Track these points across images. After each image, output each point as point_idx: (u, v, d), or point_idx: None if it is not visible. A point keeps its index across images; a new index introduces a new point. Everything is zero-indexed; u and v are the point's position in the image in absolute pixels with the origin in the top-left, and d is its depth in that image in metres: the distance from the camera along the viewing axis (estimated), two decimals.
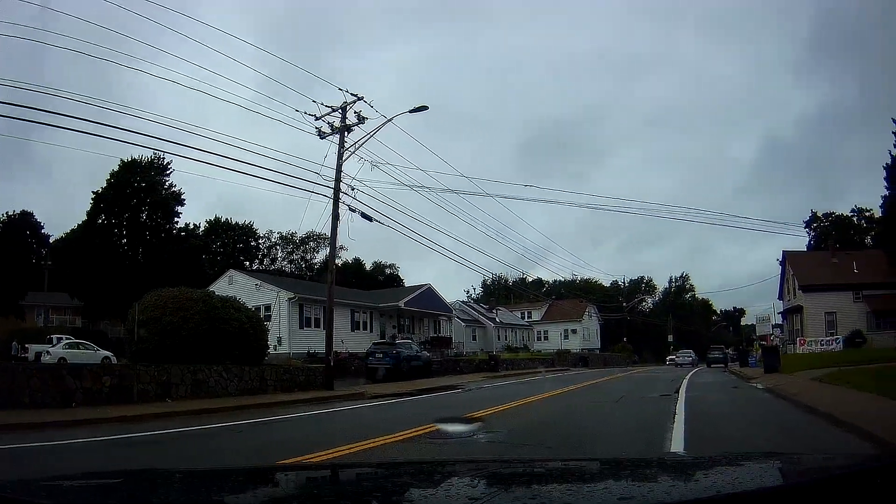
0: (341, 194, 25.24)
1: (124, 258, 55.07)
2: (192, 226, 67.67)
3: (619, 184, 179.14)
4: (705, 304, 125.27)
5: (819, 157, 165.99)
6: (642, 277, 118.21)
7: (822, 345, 45.07)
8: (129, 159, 55.08)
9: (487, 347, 69.73)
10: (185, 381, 19.30)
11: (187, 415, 15.07)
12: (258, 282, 46.29)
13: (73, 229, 60.74)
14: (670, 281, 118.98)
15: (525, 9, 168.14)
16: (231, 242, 75.89)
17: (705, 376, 32.00)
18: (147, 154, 56.49)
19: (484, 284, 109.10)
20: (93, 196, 57.34)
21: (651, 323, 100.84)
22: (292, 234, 78.76)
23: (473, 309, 75.53)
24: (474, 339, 69.92)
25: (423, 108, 26.02)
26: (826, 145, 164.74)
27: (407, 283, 76.64)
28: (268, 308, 42.94)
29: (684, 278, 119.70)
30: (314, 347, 39.71)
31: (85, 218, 57.59)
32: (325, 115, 25.61)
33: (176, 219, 62.15)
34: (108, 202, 56.66)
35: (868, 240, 71.91)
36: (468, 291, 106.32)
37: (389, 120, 25.35)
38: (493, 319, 73.16)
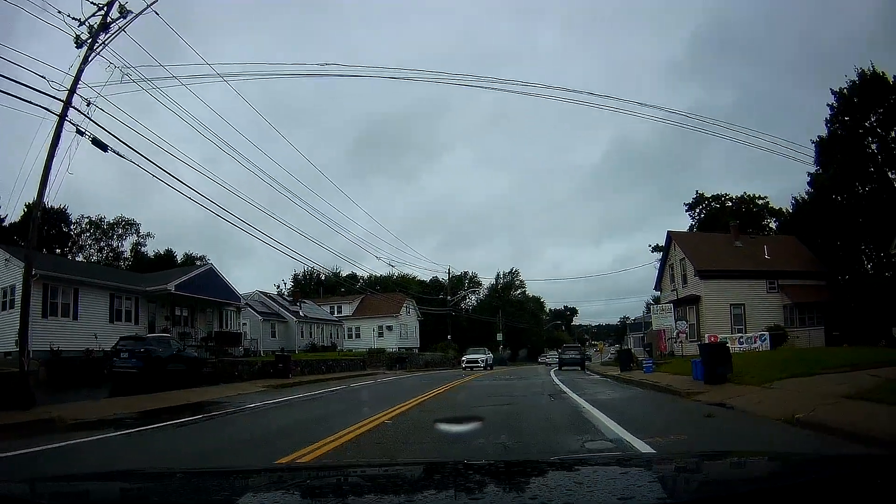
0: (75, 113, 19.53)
1: None
2: None
3: (450, 182, 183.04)
4: (537, 302, 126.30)
5: (676, 161, 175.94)
6: (466, 273, 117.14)
7: (743, 343, 38.75)
8: None
9: (290, 345, 64.72)
10: None
11: None
12: (8, 256, 38.27)
13: None
14: (498, 276, 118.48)
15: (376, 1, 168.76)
16: (45, 228, 67.95)
17: (593, 387, 24.89)
18: None
19: (295, 279, 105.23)
20: None
21: (477, 320, 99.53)
22: (101, 219, 75.94)
23: (275, 301, 70.08)
24: (274, 335, 64.68)
25: None
26: (687, 149, 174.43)
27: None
28: (13, 290, 35.61)
29: (514, 273, 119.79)
30: (62, 343, 33.26)
31: None
32: (90, 16, 20.45)
33: None
34: None
35: (763, 230, 68.08)
36: (278, 286, 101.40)
37: (150, 6, 20.23)
38: (296, 314, 68.01)
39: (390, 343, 75.43)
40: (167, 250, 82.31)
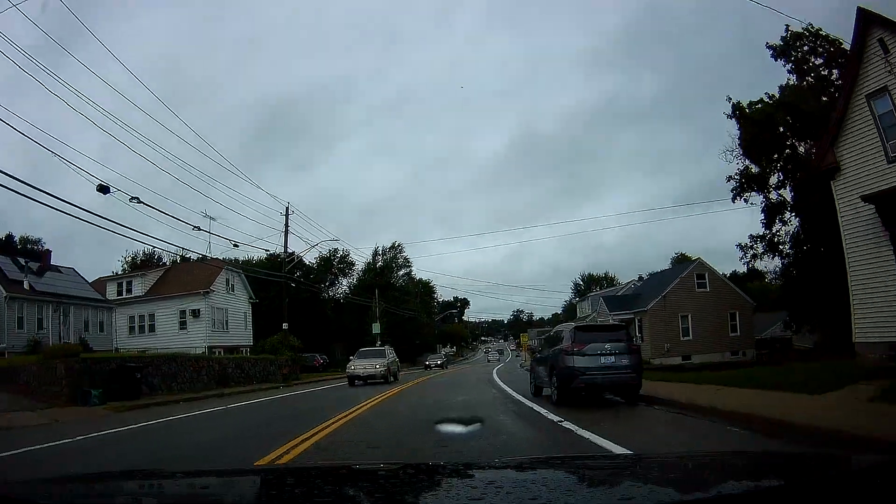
0: None
1: None
2: None
3: (343, 172, 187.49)
4: (426, 287, 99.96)
5: (583, 151, 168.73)
6: (335, 250, 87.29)
7: None
8: None
9: None
10: None
11: None
12: None
13: None
14: (376, 252, 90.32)
15: None
16: None
17: None
18: None
19: (133, 261, 76.31)
20: None
21: (349, 306, 74.03)
22: None
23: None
24: None
25: None
26: (596, 138, 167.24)
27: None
28: None
29: (396, 249, 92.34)
30: None
31: None
32: None
33: None
34: None
35: None
36: (115, 272, 72.90)
37: None
38: (16, 285, 38.59)
39: (197, 337, 46.80)
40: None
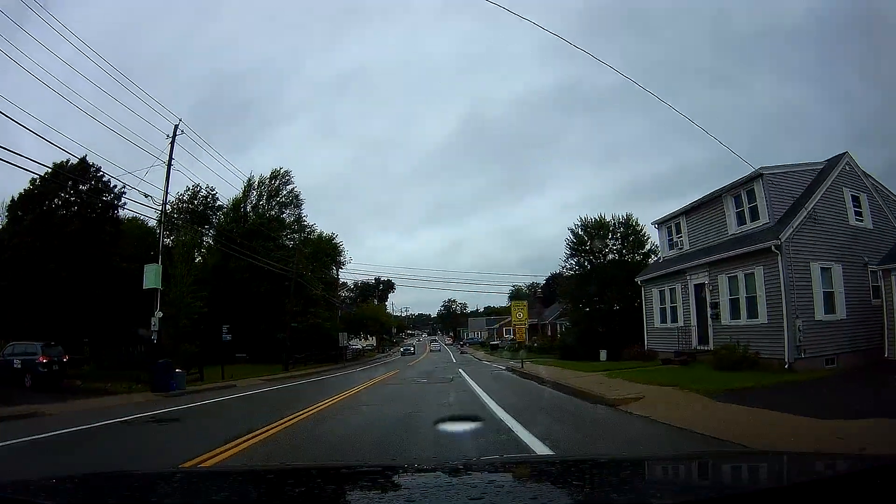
0: None
1: None
2: None
3: (282, 157, 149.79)
4: (329, 244, 68.16)
5: (530, 142, 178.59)
6: (197, 186, 55.93)
7: None
8: None
9: None
10: None
11: None
12: None
13: None
14: (250, 184, 57.67)
15: None
16: None
17: None
18: None
19: None
20: None
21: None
22: None
23: None
24: None
25: None
26: (544, 130, 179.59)
27: None
28: None
29: (280, 178, 60.07)
30: None
31: None
32: None
33: None
34: None
35: None
36: None
37: None
38: None
39: None
40: None
